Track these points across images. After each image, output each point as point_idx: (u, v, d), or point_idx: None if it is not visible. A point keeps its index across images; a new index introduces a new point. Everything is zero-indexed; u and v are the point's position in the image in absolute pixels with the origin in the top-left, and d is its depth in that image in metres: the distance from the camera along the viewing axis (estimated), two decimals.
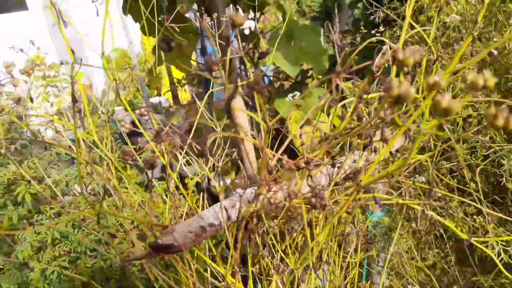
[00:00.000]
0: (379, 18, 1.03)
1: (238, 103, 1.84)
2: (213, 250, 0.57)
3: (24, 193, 1.15)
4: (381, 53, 0.37)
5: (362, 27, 1.30)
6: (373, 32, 1.04)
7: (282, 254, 0.47)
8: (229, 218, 0.48)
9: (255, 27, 2.20)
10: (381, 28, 0.96)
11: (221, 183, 0.76)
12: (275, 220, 0.44)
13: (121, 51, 3.44)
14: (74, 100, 0.42)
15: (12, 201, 1.30)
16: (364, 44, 0.39)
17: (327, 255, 0.55)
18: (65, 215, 1.25)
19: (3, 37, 4.15)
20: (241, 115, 1.63)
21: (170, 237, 0.45)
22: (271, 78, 2.68)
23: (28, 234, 1.17)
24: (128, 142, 0.73)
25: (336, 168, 0.52)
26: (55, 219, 1.26)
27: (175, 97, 4.08)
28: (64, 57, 4.09)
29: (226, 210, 0.45)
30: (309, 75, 2.45)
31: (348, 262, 0.57)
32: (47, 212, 1.25)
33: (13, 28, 4.13)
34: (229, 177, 1.85)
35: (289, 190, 0.38)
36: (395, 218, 0.69)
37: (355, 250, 0.55)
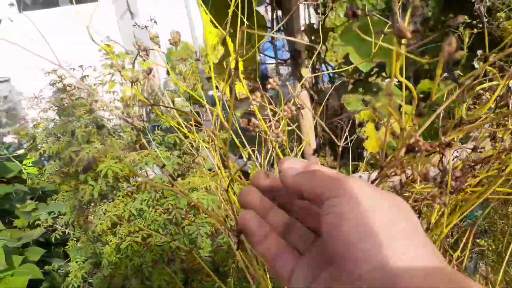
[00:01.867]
0: (475, 12, 0.99)
1: (304, 97, 1.83)
2: None
3: (106, 170, 1.22)
4: None
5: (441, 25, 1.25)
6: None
7: None
8: None
9: (324, 22, 2.19)
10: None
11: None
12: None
13: (184, 44, 3.56)
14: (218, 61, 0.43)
15: (92, 177, 1.38)
16: None
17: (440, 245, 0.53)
18: (141, 193, 1.31)
19: (75, 26, 4.41)
20: (306, 109, 1.64)
21: None
22: (332, 75, 2.65)
23: (108, 209, 1.24)
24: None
25: (454, 157, 0.51)
26: (131, 197, 1.33)
27: (231, 91, 4.15)
28: (130, 47, 4.29)
29: None
30: (372, 72, 2.40)
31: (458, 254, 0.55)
32: (124, 189, 1.32)
33: (85, 18, 4.37)
34: None
35: (425, 171, 0.37)
36: (494, 216, 0.65)
37: (465, 243, 0.53)
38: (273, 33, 2.21)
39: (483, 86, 0.40)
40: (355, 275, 0.23)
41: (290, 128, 0.64)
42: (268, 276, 0.70)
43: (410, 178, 0.45)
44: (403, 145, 0.37)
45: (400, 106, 0.36)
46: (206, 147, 0.79)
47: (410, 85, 0.30)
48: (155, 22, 0.55)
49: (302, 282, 0.30)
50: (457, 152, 0.53)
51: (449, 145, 0.37)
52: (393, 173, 0.41)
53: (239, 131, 0.69)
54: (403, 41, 0.26)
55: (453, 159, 0.49)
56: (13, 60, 3.76)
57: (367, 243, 0.23)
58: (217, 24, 0.45)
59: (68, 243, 1.55)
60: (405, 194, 0.45)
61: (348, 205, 0.25)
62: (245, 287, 1.24)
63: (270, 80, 0.48)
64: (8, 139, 3.36)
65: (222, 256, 1.43)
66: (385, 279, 0.22)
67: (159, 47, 0.53)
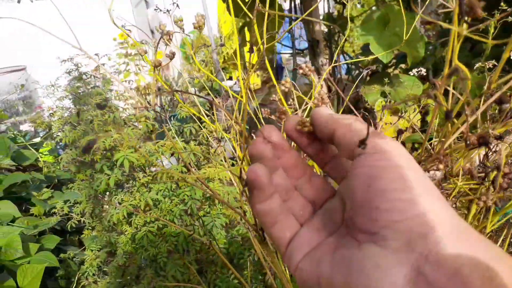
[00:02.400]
0: None
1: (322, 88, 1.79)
2: None
3: (123, 159, 1.21)
4: None
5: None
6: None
7: None
8: None
9: (343, 11, 2.13)
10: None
11: None
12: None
13: (199, 34, 3.53)
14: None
15: (108, 167, 1.37)
16: None
17: None
18: (156, 184, 1.30)
19: (89, 15, 4.42)
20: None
21: None
22: (349, 66, 2.59)
23: (124, 198, 1.23)
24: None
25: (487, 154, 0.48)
26: (146, 187, 1.32)
27: (244, 81, 4.12)
28: (145, 36, 4.28)
29: None
30: (390, 64, 2.35)
31: None
32: (139, 179, 1.31)
33: (99, 7, 4.36)
34: None
35: (470, 167, 0.35)
36: None
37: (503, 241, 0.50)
38: (293, 24, 2.17)
39: None
40: (385, 223, 0.23)
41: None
42: (287, 271, 0.68)
43: (448, 173, 0.42)
44: (448, 138, 0.34)
45: (448, 92, 0.33)
46: (227, 137, 0.77)
47: (466, 70, 0.27)
48: (177, 6, 0.52)
49: (306, 245, 0.29)
50: (497, 147, 0.49)
51: (500, 138, 0.34)
52: (434, 168, 0.39)
53: (255, 121, 0.67)
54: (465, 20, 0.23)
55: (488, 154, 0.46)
56: (29, 49, 3.79)
57: (407, 194, 0.23)
58: (243, 6, 0.42)
59: (83, 231, 1.55)
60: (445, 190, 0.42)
61: (390, 159, 0.25)
62: (261, 280, 1.22)
63: (303, 65, 0.45)
64: (25, 127, 3.40)
65: (236, 248, 1.41)
66: (418, 227, 0.22)
67: (183, 31, 0.51)
